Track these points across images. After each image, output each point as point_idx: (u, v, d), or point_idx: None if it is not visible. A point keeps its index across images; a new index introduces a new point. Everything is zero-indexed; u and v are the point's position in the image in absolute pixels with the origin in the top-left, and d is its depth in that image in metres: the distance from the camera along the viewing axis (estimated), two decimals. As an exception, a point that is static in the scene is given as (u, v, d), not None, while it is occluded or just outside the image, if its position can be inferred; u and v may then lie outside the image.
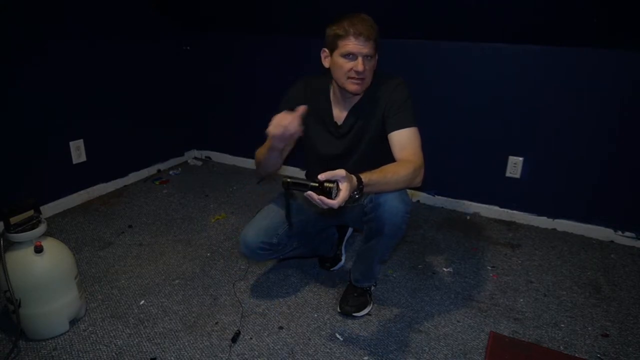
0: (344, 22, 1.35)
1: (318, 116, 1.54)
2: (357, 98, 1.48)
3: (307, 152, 1.64)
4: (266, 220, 1.55)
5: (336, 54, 1.38)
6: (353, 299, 1.57)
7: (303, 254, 1.74)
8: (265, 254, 1.55)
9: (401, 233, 1.41)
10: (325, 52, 1.44)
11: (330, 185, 1.12)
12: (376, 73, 1.47)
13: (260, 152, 1.49)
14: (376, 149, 1.49)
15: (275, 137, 1.30)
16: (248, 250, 1.53)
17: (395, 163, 1.35)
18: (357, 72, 1.35)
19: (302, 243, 1.65)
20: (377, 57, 1.43)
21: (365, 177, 1.22)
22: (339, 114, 1.52)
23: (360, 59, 1.35)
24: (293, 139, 1.40)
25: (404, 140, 1.38)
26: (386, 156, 1.39)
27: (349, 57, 1.36)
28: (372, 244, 1.43)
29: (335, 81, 1.45)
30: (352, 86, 1.39)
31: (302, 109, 1.31)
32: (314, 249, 1.77)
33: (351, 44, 1.34)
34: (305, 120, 1.55)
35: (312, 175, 1.73)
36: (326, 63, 1.45)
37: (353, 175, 1.19)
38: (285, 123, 1.28)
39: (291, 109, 1.54)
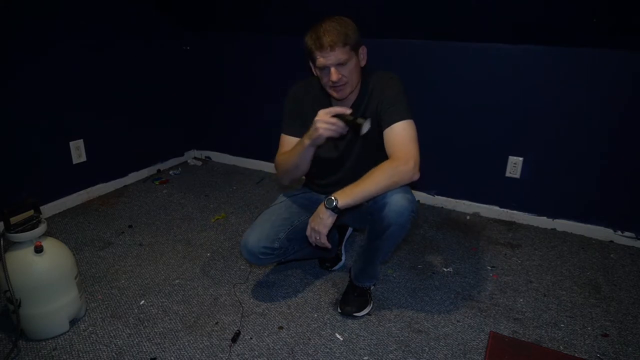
0: (312, 32, 1.35)
1: None
2: (354, 97, 1.48)
3: None
4: (267, 224, 1.55)
5: (316, 67, 1.40)
6: (353, 299, 1.57)
7: (304, 256, 1.74)
8: (267, 259, 1.55)
9: (406, 232, 1.41)
10: (311, 63, 1.44)
11: (362, 120, 1.28)
12: (370, 70, 1.47)
13: (288, 157, 1.49)
14: (372, 147, 1.49)
15: (323, 136, 1.34)
16: (250, 255, 1.52)
17: (374, 168, 1.33)
18: (333, 82, 1.36)
19: (303, 246, 1.64)
20: (362, 52, 1.41)
21: (339, 194, 1.30)
22: None
23: (332, 70, 1.34)
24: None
25: (393, 136, 1.37)
26: (383, 155, 1.39)
27: (324, 71, 1.37)
28: (377, 243, 1.42)
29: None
30: (335, 93, 1.41)
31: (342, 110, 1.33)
32: (315, 250, 1.77)
33: (320, 58, 1.34)
34: (309, 122, 1.56)
35: (311, 175, 1.74)
36: (315, 71, 1.46)
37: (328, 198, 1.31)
38: (333, 123, 1.32)
39: (299, 110, 1.54)
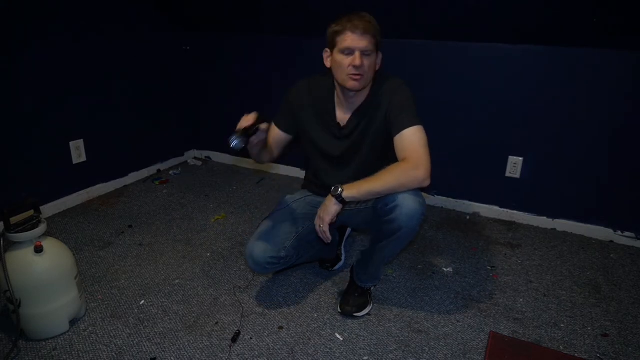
0: (342, 19, 1.36)
1: (321, 117, 1.54)
2: (361, 100, 1.47)
3: (308, 152, 1.64)
4: (271, 233, 1.55)
5: (336, 51, 1.38)
6: (354, 299, 1.57)
7: (307, 260, 1.74)
8: (274, 268, 1.56)
9: (414, 235, 1.41)
10: (327, 52, 1.44)
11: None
12: (379, 74, 1.46)
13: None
14: (378, 152, 1.49)
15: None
16: (256, 266, 1.53)
17: (385, 168, 1.34)
18: (355, 67, 1.35)
19: (307, 251, 1.64)
20: (379, 56, 1.43)
21: (346, 186, 1.32)
22: (343, 116, 1.51)
23: (357, 54, 1.34)
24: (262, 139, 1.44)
25: (404, 142, 1.37)
26: (390, 159, 1.38)
27: (347, 53, 1.36)
28: (383, 245, 1.42)
29: (336, 80, 1.44)
30: (351, 82, 1.38)
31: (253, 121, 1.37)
32: (317, 253, 1.77)
33: (348, 39, 1.34)
34: (308, 121, 1.56)
35: (311, 177, 1.74)
36: (328, 63, 1.44)
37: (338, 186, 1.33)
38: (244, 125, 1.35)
39: (293, 109, 1.56)
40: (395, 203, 1.32)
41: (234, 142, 1.33)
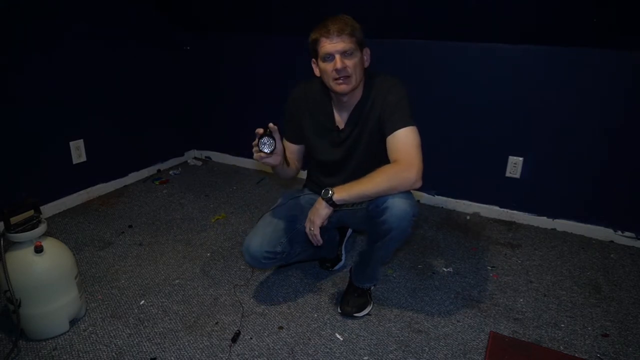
0: (318, 26, 1.36)
1: (320, 122, 1.54)
2: (355, 101, 1.47)
3: (310, 155, 1.65)
4: (269, 228, 1.55)
5: (319, 59, 1.39)
6: (354, 300, 1.57)
7: (306, 258, 1.74)
8: (270, 263, 1.56)
9: (407, 236, 1.40)
10: (314, 62, 1.44)
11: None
12: (373, 74, 1.46)
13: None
14: (373, 153, 1.49)
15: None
16: (253, 260, 1.53)
17: (376, 170, 1.34)
18: (337, 71, 1.34)
19: (304, 248, 1.64)
20: (367, 53, 1.42)
21: (337, 188, 1.33)
22: (340, 119, 1.51)
23: (337, 57, 1.33)
24: (282, 154, 1.44)
25: (396, 143, 1.36)
26: (385, 160, 1.38)
27: (328, 59, 1.35)
28: (378, 246, 1.42)
29: (328, 87, 1.44)
30: (338, 86, 1.38)
31: (271, 127, 1.35)
32: (316, 252, 1.77)
33: (325, 45, 1.34)
34: (308, 127, 1.56)
35: (312, 177, 1.74)
36: (317, 72, 1.45)
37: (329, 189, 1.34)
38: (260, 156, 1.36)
39: (294, 115, 1.56)
40: (385, 205, 1.32)
41: (265, 145, 1.32)
